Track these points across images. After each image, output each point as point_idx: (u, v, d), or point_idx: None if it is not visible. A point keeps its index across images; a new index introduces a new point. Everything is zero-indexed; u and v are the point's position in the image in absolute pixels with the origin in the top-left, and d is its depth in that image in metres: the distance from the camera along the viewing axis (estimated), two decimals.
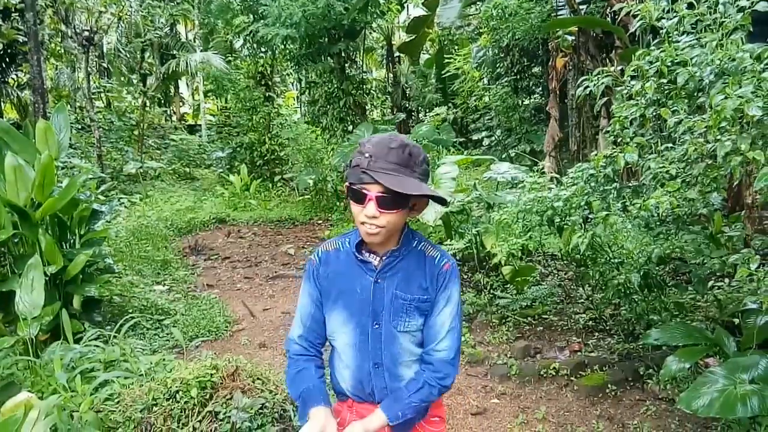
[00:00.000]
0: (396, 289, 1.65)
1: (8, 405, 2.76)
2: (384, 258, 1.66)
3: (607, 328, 4.74)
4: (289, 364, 1.77)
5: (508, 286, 5.54)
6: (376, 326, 1.66)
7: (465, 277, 6.14)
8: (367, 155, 1.52)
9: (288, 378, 1.75)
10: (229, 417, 2.85)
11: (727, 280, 4.62)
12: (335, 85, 10.90)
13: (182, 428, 2.85)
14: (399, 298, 1.65)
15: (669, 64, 3.13)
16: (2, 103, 15.96)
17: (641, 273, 3.97)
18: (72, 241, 4.77)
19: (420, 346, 1.71)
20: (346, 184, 1.60)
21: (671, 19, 3.26)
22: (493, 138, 12.66)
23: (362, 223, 1.56)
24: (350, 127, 10.86)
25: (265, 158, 13.08)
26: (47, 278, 4.02)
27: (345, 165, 1.56)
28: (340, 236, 1.77)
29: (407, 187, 1.49)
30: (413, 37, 14.81)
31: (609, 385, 3.87)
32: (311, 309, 1.75)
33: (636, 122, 3.40)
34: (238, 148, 13.53)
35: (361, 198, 1.54)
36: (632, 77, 3.47)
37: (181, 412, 2.91)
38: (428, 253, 1.69)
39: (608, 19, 8.51)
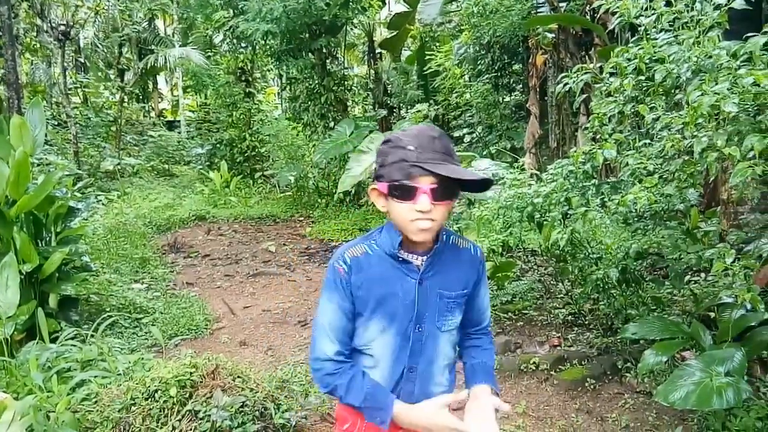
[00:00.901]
0: (440, 288, 1.60)
1: None
2: (426, 257, 1.58)
3: (586, 322, 4.79)
4: (332, 381, 1.59)
5: (489, 281, 5.57)
6: (419, 329, 1.59)
7: None
8: (411, 148, 1.44)
9: (341, 390, 1.58)
10: (209, 416, 2.83)
11: (703, 275, 4.69)
12: (316, 81, 10.85)
13: (161, 428, 2.82)
14: (444, 297, 1.60)
15: (647, 61, 3.16)
16: None
17: (619, 268, 4.01)
18: (48, 238, 4.69)
19: (453, 350, 1.70)
20: (381, 183, 1.51)
21: (649, 16, 3.29)
22: (474, 135, 12.69)
23: (412, 220, 1.47)
24: (332, 124, 10.81)
25: (246, 155, 13.00)
26: (22, 277, 3.96)
27: (376, 165, 1.45)
28: (362, 239, 1.65)
29: (463, 173, 1.46)
30: (394, 33, 14.77)
31: (588, 379, 3.91)
32: (343, 323, 1.60)
33: (614, 119, 3.43)
34: (218, 145, 13.44)
35: (411, 193, 1.45)
36: (611, 74, 3.50)
37: (160, 411, 2.87)
38: (461, 245, 1.66)
39: (587, 16, 8.58)
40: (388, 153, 1.49)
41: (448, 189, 1.47)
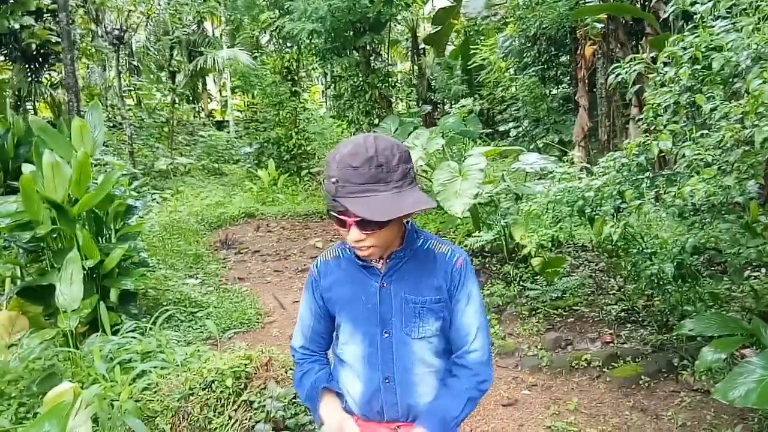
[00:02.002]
0: (405, 293, 1.54)
1: (50, 395, 2.85)
2: (388, 260, 1.55)
3: (640, 319, 4.68)
4: (295, 369, 1.74)
5: (538, 277, 5.50)
6: (386, 335, 1.55)
7: (494, 268, 6.12)
8: (333, 180, 1.37)
9: (294, 382, 1.72)
10: (264, 406, 2.91)
11: (763, 270, 4.52)
12: (360, 79, 10.91)
13: (218, 417, 2.91)
14: (410, 302, 1.54)
15: (703, 49, 3.07)
16: (36, 102, 16.37)
17: (675, 263, 3.90)
18: (108, 235, 4.88)
19: (438, 357, 1.60)
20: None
21: (705, 3, 3.19)
22: (520, 129, 12.53)
23: (351, 246, 1.48)
24: (376, 121, 10.86)
25: (292, 153, 13.19)
26: (85, 272, 4.13)
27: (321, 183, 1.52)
28: (340, 244, 1.66)
29: (379, 212, 1.35)
30: (438, 28, 14.70)
31: (642, 377, 3.83)
32: (311, 322, 1.69)
33: (669, 109, 3.35)
34: (266, 143, 13.67)
35: (342, 224, 1.43)
36: (665, 64, 3.42)
37: (217, 401, 2.97)
38: (437, 250, 1.58)
39: (638, 5, 8.36)
40: (323, 178, 1.45)
41: (374, 220, 1.39)
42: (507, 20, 11.94)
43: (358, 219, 1.38)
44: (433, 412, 1.56)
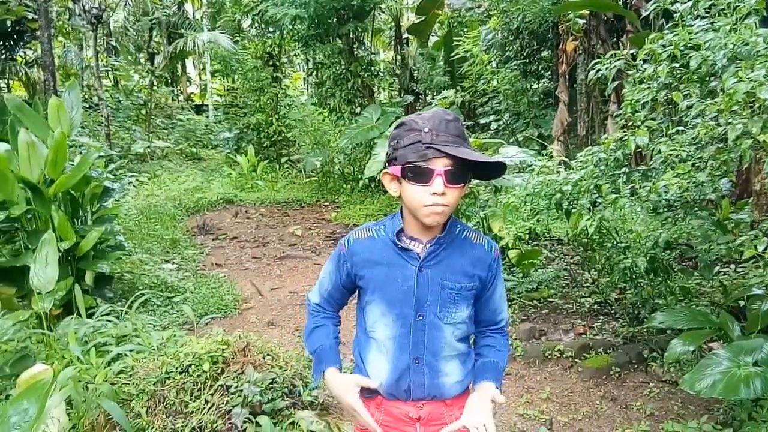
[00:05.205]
0: (442, 279, 1.58)
1: (24, 376, 2.83)
2: (428, 245, 1.58)
3: (612, 311, 4.78)
4: (308, 318, 1.79)
5: (514, 269, 5.57)
6: (420, 318, 1.59)
7: None
8: (426, 130, 1.44)
9: (306, 330, 1.77)
10: (241, 391, 2.91)
11: (733, 266, 4.65)
12: (343, 67, 10.86)
13: (194, 401, 2.91)
14: (446, 288, 1.59)
15: (682, 48, 3.13)
16: (10, 81, 15.98)
17: (648, 257, 3.99)
18: (84, 217, 4.82)
19: (461, 342, 1.67)
20: (395, 166, 1.51)
21: (685, 2, 3.24)
22: (501, 122, 12.58)
23: (426, 205, 1.47)
24: (358, 109, 10.82)
25: (272, 139, 13.10)
26: (60, 254, 4.07)
27: (389, 149, 1.44)
28: (373, 223, 1.68)
29: (478, 156, 1.45)
30: (422, 18, 14.65)
31: (613, 368, 3.92)
32: (330, 288, 1.74)
33: (647, 106, 3.40)
34: (245, 129, 13.55)
35: (426, 175, 1.44)
36: (644, 61, 3.47)
37: (194, 385, 2.97)
38: (474, 240, 1.64)
39: (620, 2, 8.44)
40: (402, 136, 1.49)
41: (461, 172, 1.46)
42: (490, 13, 11.95)
43: (447, 169, 1.44)
44: (489, 366, 1.69)
